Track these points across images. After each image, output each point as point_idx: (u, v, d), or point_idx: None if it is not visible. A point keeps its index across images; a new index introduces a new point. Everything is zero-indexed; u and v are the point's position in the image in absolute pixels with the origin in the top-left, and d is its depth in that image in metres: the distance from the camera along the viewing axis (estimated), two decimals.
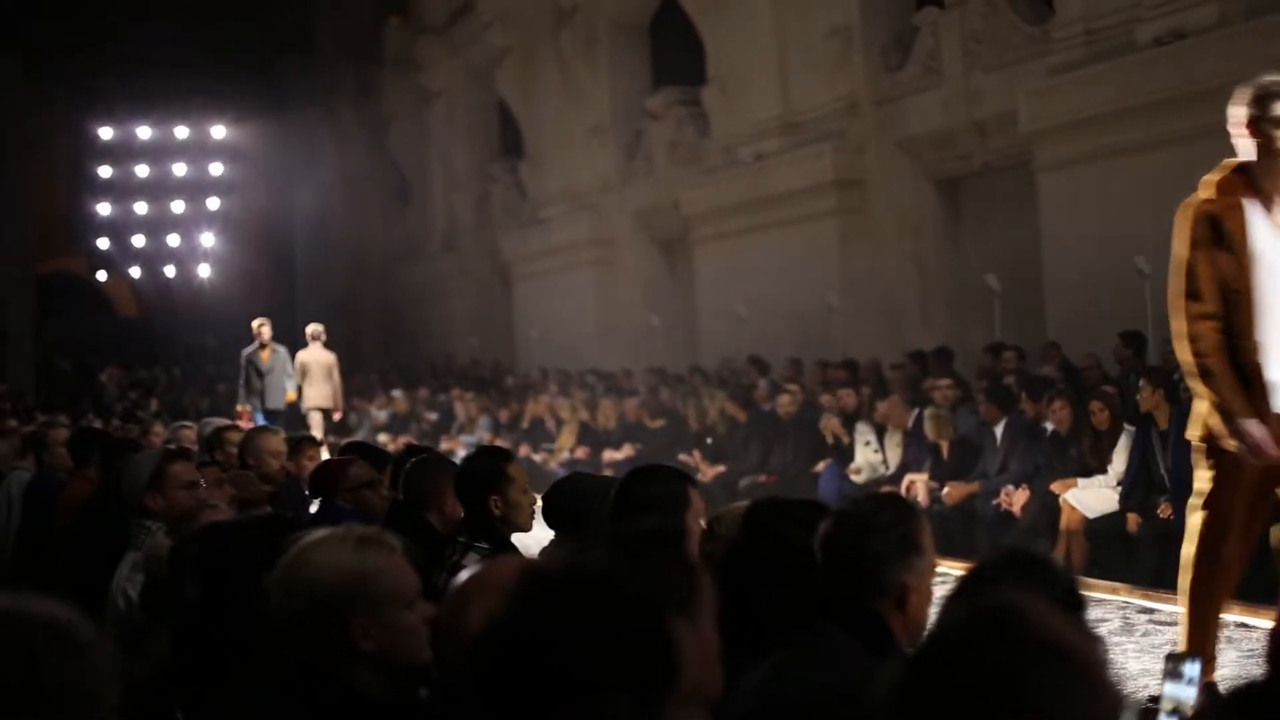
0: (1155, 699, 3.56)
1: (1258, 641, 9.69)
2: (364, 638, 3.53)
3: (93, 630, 2.18)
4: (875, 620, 3.79)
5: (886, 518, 3.89)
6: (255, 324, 23.39)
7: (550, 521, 5.94)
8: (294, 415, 22.62)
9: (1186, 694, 3.45)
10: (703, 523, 5.23)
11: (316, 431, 20.66)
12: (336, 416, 24.24)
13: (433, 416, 27.22)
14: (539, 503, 6.10)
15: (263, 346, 22.99)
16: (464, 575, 3.71)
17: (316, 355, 23.75)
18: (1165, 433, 12.62)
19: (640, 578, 2.35)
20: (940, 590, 3.77)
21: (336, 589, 3.55)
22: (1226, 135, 7.59)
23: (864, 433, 16.46)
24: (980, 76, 19.62)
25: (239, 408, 22.94)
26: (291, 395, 23.21)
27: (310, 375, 23.54)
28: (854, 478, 15.97)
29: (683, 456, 18.36)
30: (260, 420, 20.81)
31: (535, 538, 6.23)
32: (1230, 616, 10.63)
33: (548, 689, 2.29)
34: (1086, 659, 2.00)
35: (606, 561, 2.38)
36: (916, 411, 15.74)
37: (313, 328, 24.04)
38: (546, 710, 2.29)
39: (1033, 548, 11.69)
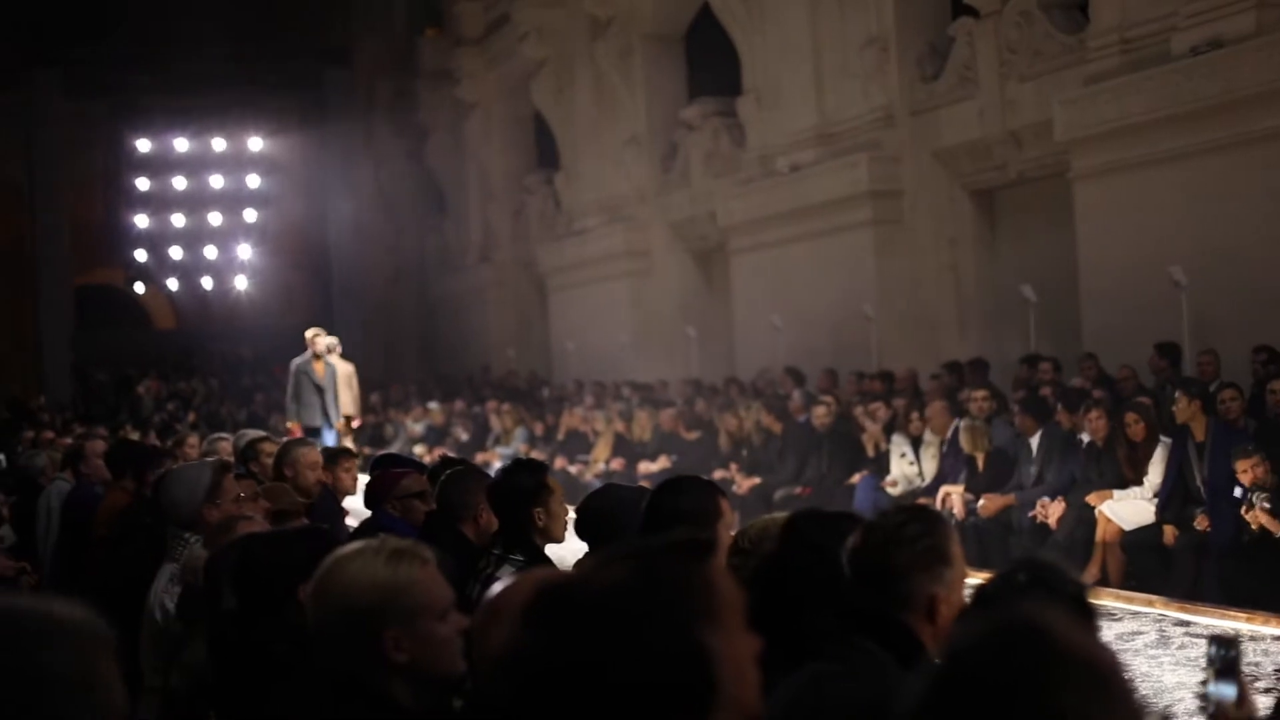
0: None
1: None
2: (397, 649, 3.54)
3: (95, 625, 2.19)
4: (905, 633, 3.78)
5: (913, 530, 3.88)
6: (309, 334, 21.97)
7: (583, 534, 5.93)
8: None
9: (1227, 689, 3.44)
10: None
11: (347, 441, 20.38)
12: (356, 424, 24.10)
13: (464, 437, 26.94)
14: (570, 514, 6.10)
15: (316, 358, 21.58)
16: (497, 587, 3.72)
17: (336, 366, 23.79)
18: (1201, 444, 12.58)
19: (662, 590, 2.31)
20: None
21: (370, 601, 3.56)
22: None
23: (899, 444, 16.41)
24: (1016, 86, 19.58)
25: (288, 424, 21.67)
26: (347, 410, 21.93)
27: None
28: (889, 490, 15.93)
29: (719, 473, 18.28)
30: (328, 438, 20.10)
31: (569, 549, 6.23)
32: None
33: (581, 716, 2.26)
34: (1108, 671, 2.00)
35: (625, 576, 2.33)
36: (954, 423, 15.70)
37: (328, 340, 24.11)
38: None
39: (1043, 555, 11.76)
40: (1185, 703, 8.24)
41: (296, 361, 21.74)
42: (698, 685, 2.24)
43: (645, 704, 2.21)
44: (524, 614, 2.35)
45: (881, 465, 16.55)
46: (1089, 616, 3.51)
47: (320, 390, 21.43)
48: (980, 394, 15.75)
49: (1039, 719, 1.93)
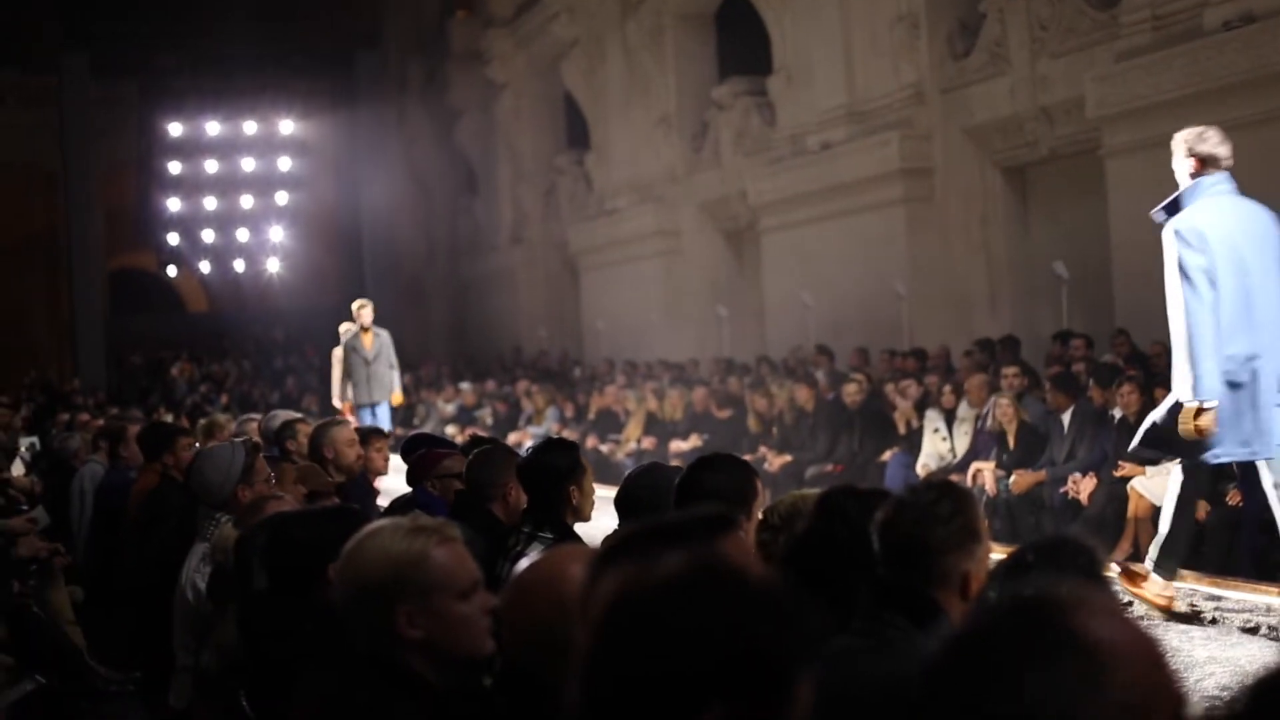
0: None
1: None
2: (410, 625, 3.54)
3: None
4: (936, 609, 3.78)
5: (946, 508, 3.88)
6: (355, 305, 21.12)
7: (624, 512, 5.94)
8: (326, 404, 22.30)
9: None
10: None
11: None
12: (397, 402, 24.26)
13: (489, 420, 26.92)
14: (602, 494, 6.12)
15: (364, 330, 20.78)
16: (523, 564, 3.73)
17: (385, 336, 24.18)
18: None
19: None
20: None
21: (382, 576, 3.57)
22: None
23: (933, 419, 16.37)
24: (1047, 63, 19.50)
25: (340, 404, 20.78)
26: (398, 397, 21.64)
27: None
28: (919, 469, 15.90)
29: (748, 455, 18.26)
30: (367, 418, 19.65)
31: (596, 527, 6.25)
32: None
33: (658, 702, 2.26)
34: (1112, 658, 1.98)
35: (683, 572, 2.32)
36: (990, 399, 15.67)
37: (347, 326, 24.34)
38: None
39: (1060, 531, 11.78)
40: (1216, 677, 8.22)
41: (344, 338, 21.00)
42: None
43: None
44: (604, 611, 2.34)
45: (913, 443, 16.51)
46: (1097, 578, 3.53)
47: (369, 364, 20.71)
48: (1012, 370, 15.71)
49: (1021, 693, 1.93)
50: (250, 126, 42.90)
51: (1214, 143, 9.33)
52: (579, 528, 6.50)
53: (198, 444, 10.09)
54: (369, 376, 20.63)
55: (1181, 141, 9.37)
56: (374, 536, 3.65)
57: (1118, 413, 13.78)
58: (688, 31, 29.13)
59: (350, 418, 18.34)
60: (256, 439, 8.90)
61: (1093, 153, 18.50)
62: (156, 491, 9.83)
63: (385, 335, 20.97)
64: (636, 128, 30.12)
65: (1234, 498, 12.12)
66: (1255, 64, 15.63)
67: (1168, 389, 9.97)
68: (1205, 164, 9.30)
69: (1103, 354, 16.76)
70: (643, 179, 29.98)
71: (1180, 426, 9.15)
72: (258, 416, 13.29)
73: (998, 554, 4.05)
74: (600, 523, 6.30)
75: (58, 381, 35.96)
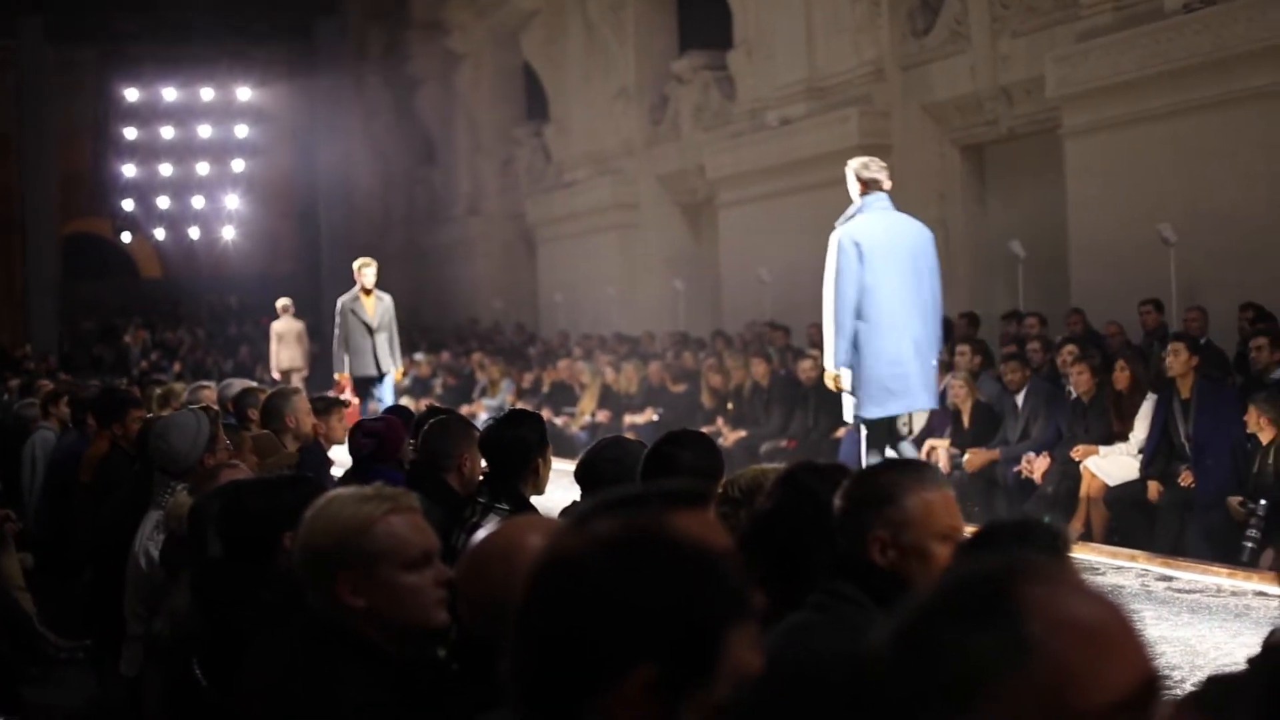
0: None
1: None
2: (354, 593, 3.52)
3: None
4: (886, 576, 3.76)
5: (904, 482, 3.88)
6: (356, 265, 19.48)
7: (586, 485, 5.94)
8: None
9: None
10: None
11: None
12: (304, 374, 24.90)
13: (439, 390, 27.09)
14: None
15: (366, 292, 19.18)
16: (480, 534, 3.71)
17: (289, 324, 26.63)
18: (1187, 401, 12.60)
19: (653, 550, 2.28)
20: None
21: (328, 542, 3.54)
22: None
23: None
24: (1008, 42, 19.52)
25: (337, 376, 19.22)
26: (400, 371, 20.43)
27: (285, 340, 26.36)
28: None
29: (706, 428, 18.27)
30: (384, 391, 18.74)
31: (551, 500, 6.25)
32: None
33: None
34: (1073, 635, 1.95)
35: (616, 535, 2.31)
36: (946, 377, 15.70)
37: (282, 301, 25.92)
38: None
39: (1026, 511, 12.08)
40: (1166, 656, 8.27)
41: (343, 300, 19.26)
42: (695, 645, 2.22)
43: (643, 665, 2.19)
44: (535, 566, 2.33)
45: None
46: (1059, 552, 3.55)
47: (371, 331, 18.89)
48: (965, 349, 15.78)
49: (938, 659, 1.91)
50: (207, 93, 42.64)
51: (875, 170, 11.89)
52: (536, 499, 6.50)
53: (149, 414, 10.02)
54: (374, 345, 18.90)
55: (851, 169, 11.87)
56: (331, 503, 3.63)
57: (1072, 392, 13.85)
58: (648, 4, 29.07)
59: (348, 394, 17.89)
60: (212, 405, 8.85)
61: (1052, 132, 18.54)
62: (108, 458, 9.79)
63: (388, 299, 19.34)
64: (596, 100, 30.07)
65: (1186, 479, 12.21)
66: (1215, 46, 15.68)
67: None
68: (869, 186, 11.81)
69: (1057, 333, 16.82)
70: (601, 151, 29.93)
71: (828, 384, 12.23)
72: (212, 384, 13.25)
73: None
74: (554, 495, 6.29)
75: (9, 346, 35.70)
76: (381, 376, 18.96)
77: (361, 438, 7.98)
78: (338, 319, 19.23)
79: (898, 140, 21.49)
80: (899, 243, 11.96)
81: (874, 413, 11.87)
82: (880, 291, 11.74)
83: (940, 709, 1.90)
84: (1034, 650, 1.88)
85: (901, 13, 21.44)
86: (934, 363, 12.20)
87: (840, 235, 11.89)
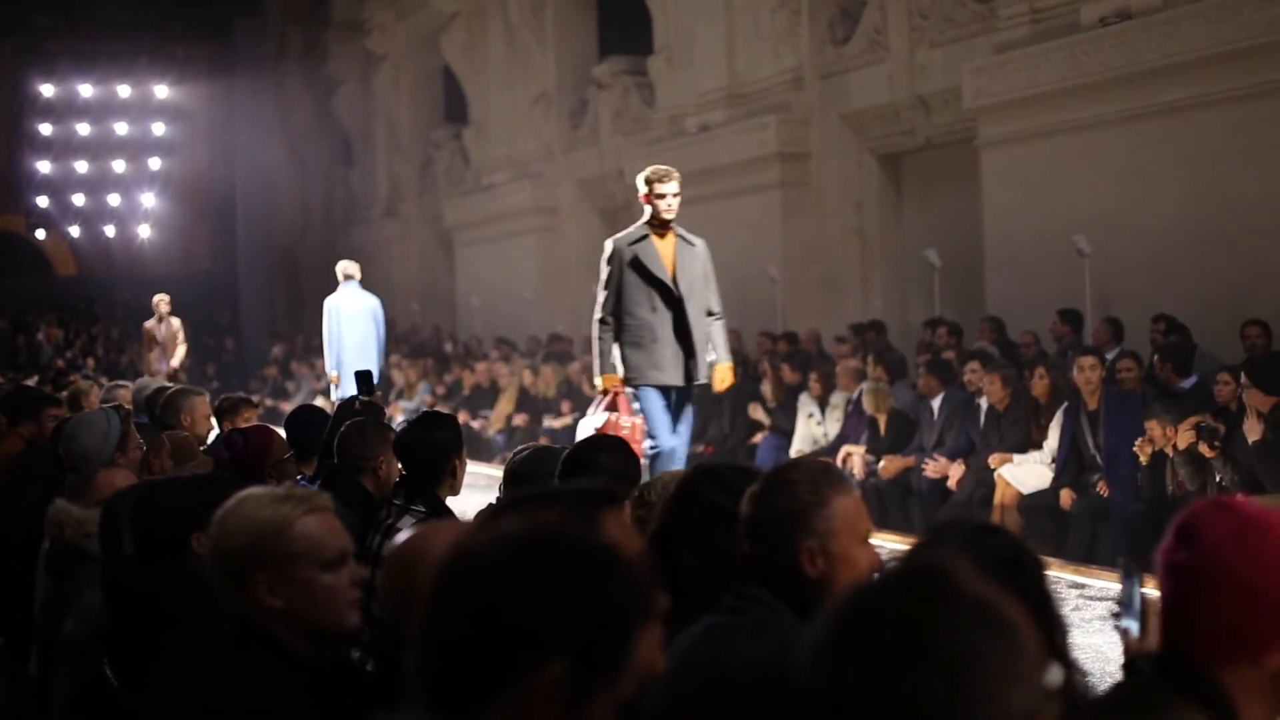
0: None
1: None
2: (270, 594, 3.51)
3: None
4: (800, 582, 3.76)
5: (812, 484, 3.88)
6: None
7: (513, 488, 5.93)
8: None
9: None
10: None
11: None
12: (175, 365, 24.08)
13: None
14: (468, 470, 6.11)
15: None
16: (402, 537, 3.71)
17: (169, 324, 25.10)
18: (1095, 412, 12.71)
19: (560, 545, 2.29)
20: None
21: (244, 542, 3.53)
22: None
23: (807, 404, 16.45)
24: (926, 52, 19.64)
25: (333, 373, 19.65)
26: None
27: (164, 340, 24.90)
28: (793, 452, 15.96)
29: None
30: (349, 388, 17.19)
31: (466, 503, 6.25)
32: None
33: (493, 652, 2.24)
34: (1000, 613, 2.01)
35: (524, 532, 2.31)
36: (859, 385, 15.77)
37: (159, 297, 24.88)
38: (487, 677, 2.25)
39: (977, 517, 11.96)
40: (1080, 662, 8.33)
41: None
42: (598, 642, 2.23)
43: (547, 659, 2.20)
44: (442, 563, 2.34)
45: (781, 425, 16.62)
46: (1026, 571, 3.58)
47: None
48: (871, 358, 15.90)
49: (929, 650, 1.95)
50: (125, 90, 42.28)
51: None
52: (451, 502, 6.50)
53: (61, 413, 9.93)
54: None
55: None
56: (243, 503, 3.61)
57: (984, 402, 13.94)
58: (569, 8, 29.07)
59: (339, 390, 18.29)
60: (128, 406, 8.79)
61: (968, 143, 18.65)
62: (21, 457, 9.70)
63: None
64: (515, 104, 30.03)
65: (1102, 488, 12.32)
66: (1130, 60, 15.83)
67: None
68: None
69: (972, 342, 16.92)
70: (520, 155, 29.90)
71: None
72: (128, 384, 13.14)
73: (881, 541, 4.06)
74: (469, 498, 6.29)
75: None
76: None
77: (221, 446, 7.58)
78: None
79: (816, 148, 21.59)
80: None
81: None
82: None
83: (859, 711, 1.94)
84: (1005, 632, 2.00)
85: (821, 21, 21.52)
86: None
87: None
